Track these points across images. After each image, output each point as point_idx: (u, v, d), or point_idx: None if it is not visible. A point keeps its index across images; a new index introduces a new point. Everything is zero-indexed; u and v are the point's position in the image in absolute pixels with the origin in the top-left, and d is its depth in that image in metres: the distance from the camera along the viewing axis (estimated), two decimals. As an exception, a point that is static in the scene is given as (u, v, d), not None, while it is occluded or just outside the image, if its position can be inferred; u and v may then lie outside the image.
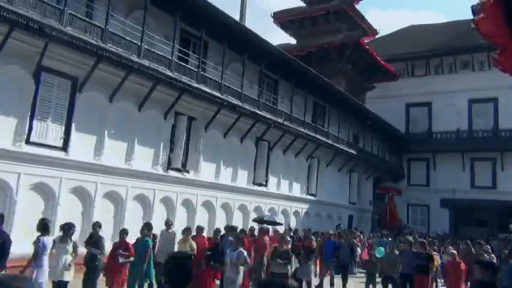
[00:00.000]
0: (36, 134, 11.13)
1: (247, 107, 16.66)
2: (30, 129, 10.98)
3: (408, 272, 10.16)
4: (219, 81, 15.49)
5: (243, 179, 17.97)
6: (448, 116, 30.77)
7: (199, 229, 11.05)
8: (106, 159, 12.57)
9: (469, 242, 14.21)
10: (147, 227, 9.46)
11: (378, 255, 12.00)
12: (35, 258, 6.94)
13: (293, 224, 19.82)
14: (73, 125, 11.86)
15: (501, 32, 3.60)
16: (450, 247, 14.07)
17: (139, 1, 13.21)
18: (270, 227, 14.27)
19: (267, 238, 11.63)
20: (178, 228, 11.31)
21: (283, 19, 31.84)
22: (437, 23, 37.24)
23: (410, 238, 11.92)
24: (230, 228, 11.71)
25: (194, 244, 9.99)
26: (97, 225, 9.01)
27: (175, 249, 9.80)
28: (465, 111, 30.96)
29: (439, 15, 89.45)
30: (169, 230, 10.50)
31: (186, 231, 10.19)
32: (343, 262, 13.19)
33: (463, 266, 10.03)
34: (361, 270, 15.74)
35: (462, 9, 69.05)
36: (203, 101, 15.11)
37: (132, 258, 8.65)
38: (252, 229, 13.41)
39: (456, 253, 10.61)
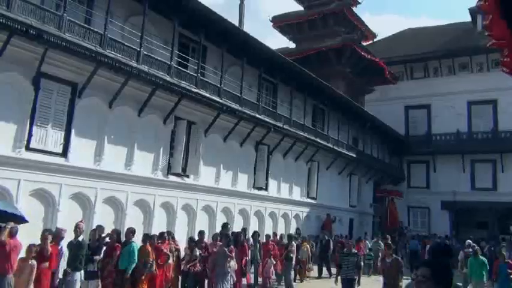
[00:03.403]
0: (36, 140, 11.11)
1: (247, 111, 16.66)
2: (30, 135, 10.96)
3: None
4: (218, 85, 15.51)
5: (243, 183, 17.94)
6: (447, 118, 30.77)
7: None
8: (106, 164, 12.56)
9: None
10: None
11: None
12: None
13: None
14: (73, 130, 11.84)
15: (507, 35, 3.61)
16: None
17: (138, 7, 13.24)
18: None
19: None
20: (179, 234, 11.26)
21: (282, 23, 31.94)
22: (435, 25, 37.33)
23: None
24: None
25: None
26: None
27: None
28: (464, 113, 30.96)
29: (438, 20, 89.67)
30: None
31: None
32: None
33: None
34: None
35: (460, 13, 69.06)
36: (203, 105, 15.11)
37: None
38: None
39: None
